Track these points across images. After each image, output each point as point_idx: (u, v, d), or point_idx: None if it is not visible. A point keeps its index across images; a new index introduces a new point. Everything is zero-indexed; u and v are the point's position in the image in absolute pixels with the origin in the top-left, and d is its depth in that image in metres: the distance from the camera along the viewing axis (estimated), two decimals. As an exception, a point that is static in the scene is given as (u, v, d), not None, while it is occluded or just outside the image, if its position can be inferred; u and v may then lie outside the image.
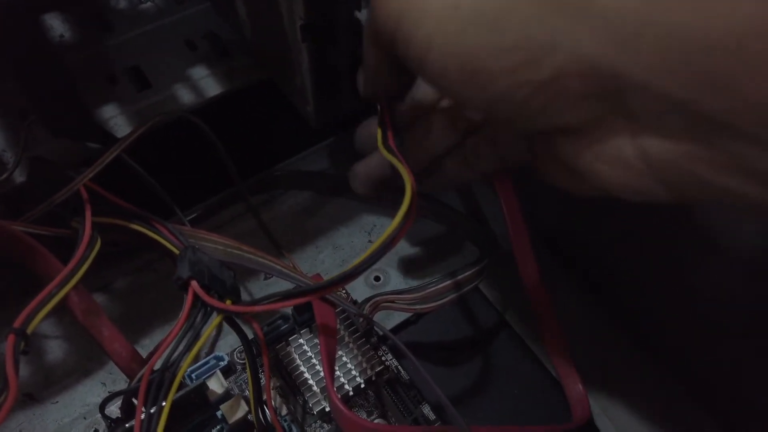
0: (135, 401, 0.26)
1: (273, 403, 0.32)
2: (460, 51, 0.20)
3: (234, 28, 0.41)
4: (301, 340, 0.34)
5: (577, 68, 0.18)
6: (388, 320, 0.37)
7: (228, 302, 0.28)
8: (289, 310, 0.35)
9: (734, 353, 0.33)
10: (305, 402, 0.33)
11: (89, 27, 0.42)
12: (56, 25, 0.41)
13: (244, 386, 0.34)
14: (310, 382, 0.33)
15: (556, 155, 0.23)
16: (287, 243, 0.42)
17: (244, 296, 0.38)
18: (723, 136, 0.17)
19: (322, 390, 0.33)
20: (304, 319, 0.35)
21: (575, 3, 0.18)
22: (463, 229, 0.42)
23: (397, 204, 0.24)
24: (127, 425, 0.27)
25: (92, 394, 0.35)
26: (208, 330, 0.28)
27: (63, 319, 0.37)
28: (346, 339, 0.34)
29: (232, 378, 0.34)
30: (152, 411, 0.25)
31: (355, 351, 0.34)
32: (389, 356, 0.36)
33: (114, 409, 0.29)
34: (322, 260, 0.41)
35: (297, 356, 0.34)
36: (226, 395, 0.30)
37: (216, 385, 0.30)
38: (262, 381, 0.31)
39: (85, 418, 0.34)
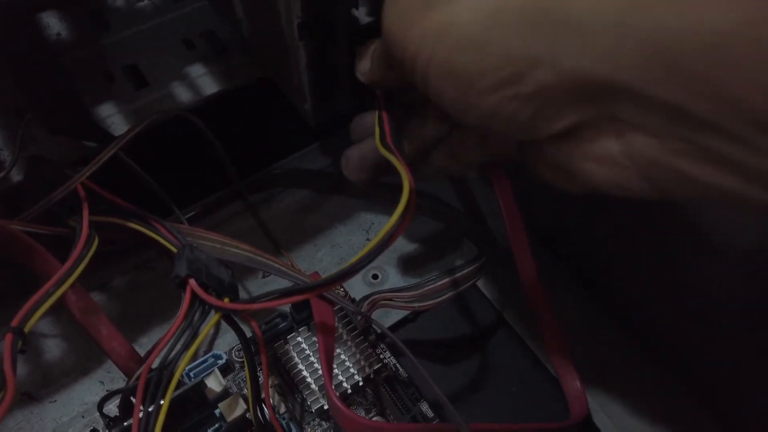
0: (133, 400, 0.26)
1: (271, 401, 0.32)
2: (453, 72, 0.21)
3: (232, 26, 0.41)
4: (299, 338, 0.34)
5: (559, 80, 0.19)
6: (386, 318, 0.37)
7: (226, 300, 0.28)
8: (287, 308, 0.35)
9: (734, 352, 0.33)
10: (303, 400, 0.33)
11: (86, 25, 0.42)
12: (53, 23, 0.41)
13: (242, 384, 0.34)
14: (309, 380, 0.33)
15: (544, 155, 0.23)
16: (285, 241, 0.42)
17: (243, 294, 0.38)
18: (706, 134, 0.18)
19: (321, 388, 0.33)
20: (302, 317, 0.35)
21: (553, 19, 0.19)
22: (460, 227, 0.42)
23: (396, 202, 0.24)
24: (125, 424, 0.27)
25: (90, 393, 0.35)
26: (207, 328, 0.28)
27: (61, 318, 0.37)
28: (345, 337, 0.34)
29: (230, 376, 0.34)
30: (150, 409, 0.25)
31: (354, 349, 0.34)
32: (387, 354, 0.36)
33: (112, 408, 0.29)
34: (320, 258, 0.41)
35: (295, 354, 0.34)
36: (225, 393, 0.30)
37: (214, 383, 0.30)
38: (260, 379, 0.31)
39: (83, 417, 0.34)
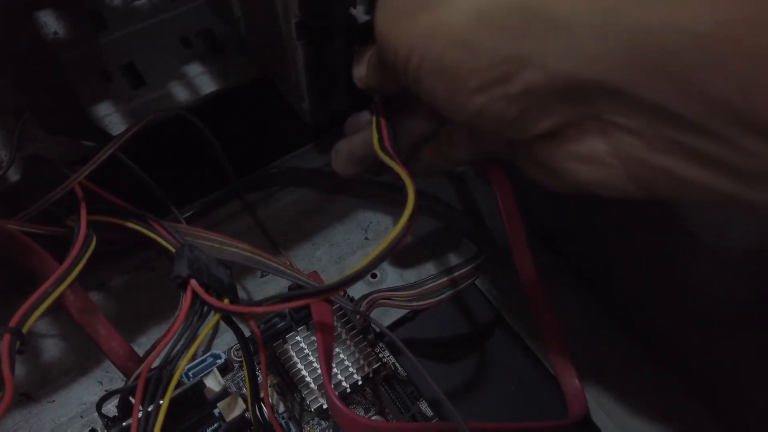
0: (132, 400, 0.26)
1: (270, 400, 0.32)
2: (443, 72, 0.22)
3: (229, 25, 0.41)
4: (298, 338, 0.34)
5: (546, 81, 0.20)
6: (385, 317, 0.37)
7: (226, 301, 0.28)
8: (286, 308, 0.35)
9: (734, 352, 0.33)
10: (302, 399, 0.33)
11: (83, 24, 0.42)
12: (50, 22, 0.41)
13: (241, 384, 0.34)
14: (308, 379, 0.33)
15: (532, 154, 0.24)
16: (284, 240, 0.41)
17: (241, 294, 0.38)
18: (691, 134, 0.18)
19: (320, 387, 0.33)
20: (301, 316, 0.35)
21: (541, 20, 0.19)
22: (459, 226, 0.42)
23: (393, 201, 0.24)
24: (124, 424, 0.27)
25: (89, 393, 0.35)
26: (206, 328, 0.28)
27: (59, 318, 0.37)
28: (343, 336, 0.34)
29: (229, 376, 0.34)
30: (149, 409, 0.25)
31: (352, 348, 0.34)
32: (386, 353, 0.36)
33: (111, 408, 0.29)
34: (318, 257, 0.41)
35: (294, 353, 0.34)
36: (224, 393, 0.30)
37: (213, 383, 0.30)
38: (259, 378, 0.31)
39: (81, 417, 0.34)
